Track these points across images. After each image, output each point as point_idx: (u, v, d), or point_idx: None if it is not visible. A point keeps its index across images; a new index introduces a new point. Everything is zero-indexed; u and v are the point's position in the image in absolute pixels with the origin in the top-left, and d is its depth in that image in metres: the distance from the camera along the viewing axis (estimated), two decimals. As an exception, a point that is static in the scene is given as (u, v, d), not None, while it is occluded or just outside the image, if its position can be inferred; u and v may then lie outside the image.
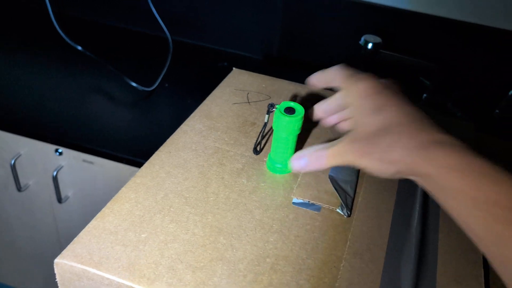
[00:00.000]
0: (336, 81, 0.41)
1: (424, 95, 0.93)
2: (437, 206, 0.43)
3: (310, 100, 0.57)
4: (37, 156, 1.00)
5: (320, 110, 0.45)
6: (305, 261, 0.37)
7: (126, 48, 1.26)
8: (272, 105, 0.43)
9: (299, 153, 0.41)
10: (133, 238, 0.37)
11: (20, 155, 1.00)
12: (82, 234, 0.37)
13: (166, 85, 1.10)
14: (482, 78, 0.92)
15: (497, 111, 0.87)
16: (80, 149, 0.92)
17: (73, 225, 1.11)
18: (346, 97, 0.40)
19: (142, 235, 0.37)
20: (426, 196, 0.44)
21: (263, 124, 0.47)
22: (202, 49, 1.25)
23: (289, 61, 1.10)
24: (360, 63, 0.93)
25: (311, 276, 0.36)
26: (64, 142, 0.92)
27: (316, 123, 0.52)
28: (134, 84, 1.06)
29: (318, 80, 0.43)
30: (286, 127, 0.42)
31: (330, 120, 0.46)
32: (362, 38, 0.88)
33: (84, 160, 0.96)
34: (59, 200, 1.03)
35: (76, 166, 0.98)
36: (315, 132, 0.51)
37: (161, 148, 0.47)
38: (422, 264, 0.37)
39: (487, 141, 0.55)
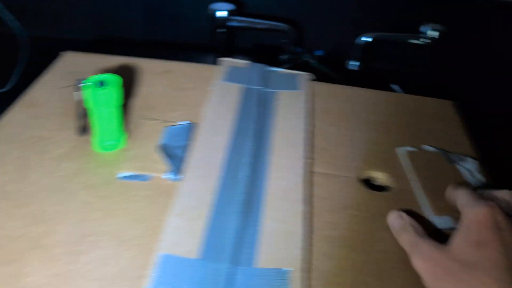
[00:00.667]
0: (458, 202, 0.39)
1: (285, 56, 0.96)
2: (265, 159, 0.44)
3: (127, 71, 0.56)
4: None
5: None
6: (129, 232, 0.36)
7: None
8: (80, 81, 0.41)
9: (402, 218, 0.39)
10: None
11: None
12: None
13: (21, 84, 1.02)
14: (337, 32, 0.96)
15: (347, 60, 0.91)
16: None
17: None
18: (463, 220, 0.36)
19: None
20: (255, 154, 0.45)
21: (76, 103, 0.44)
22: (62, 41, 1.18)
23: (153, 42, 1.06)
24: (214, 32, 0.92)
25: (135, 244, 0.35)
26: None
27: (130, 89, 0.52)
28: (-14, 87, 0.98)
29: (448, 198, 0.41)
30: (104, 100, 0.41)
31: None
32: (210, 7, 0.88)
33: None
34: None
35: None
36: (142, 102, 0.51)
37: (-25, 146, 0.43)
38: (248, 209, 0.38)
39: (337, 90, 0.58)
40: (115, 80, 0.41)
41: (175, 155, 0.43)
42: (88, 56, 0.58)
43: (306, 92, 0.55)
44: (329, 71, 0.91)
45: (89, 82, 0.40)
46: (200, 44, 1.04)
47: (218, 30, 0.87)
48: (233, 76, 0.56)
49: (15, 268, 0.33)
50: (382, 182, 0.45)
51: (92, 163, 0.42)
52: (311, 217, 0.39)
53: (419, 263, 0.35)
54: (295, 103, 0.53)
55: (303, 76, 0.58)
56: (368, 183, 0.45)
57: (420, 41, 0.85)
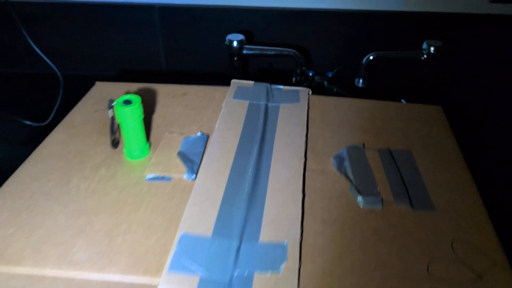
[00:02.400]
0: None
1: (298, 78, 1.03)
2: (268, 160, 0.52)
3: (149, 95, 0.64)
4: None
5: None
6: (155, 220, 0.44)
7: (15, 91, 1.27)
8: (111, 101, 0.50)
9: None
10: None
11: None
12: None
13: (60, 117, 1.13)
14: (344, 53, 1.03)
15: (356, 78, 0.98)
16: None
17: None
18: None
19: (9, 231, 0.43)
20: (260, 155, 0.53)
21: (110, 119, 0.53)
22: (92, 78, 1.29)
23: (175, 72, 1.15)
24: (231, 60, 1.01)
25: (161, 229, 0.43)
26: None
27: (153, 109, 0.60)
28: (27, 122, 1.09)
29: None
30: (129, 116, 0.49)
31: None
32: (226, 38, 0.97)
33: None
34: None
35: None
36: (163, 120, 0.59)
37: (26, 160, 0.52)
38: (252, 199, 0.46)
39: (335, 101, 0.65)
40: (136, 99, 0.50)
41: (191, 160, 0.51)
42: (115, 85, 0.68)
43: (306, 104, 0.63)
44: (339, 90, 0.98)
45: (118, 101, 0.49)
46: (216, 73, 1.13)
47: (235, 58, 0.96)
48: (241, 94, 0.64)
49: (65, 249, 0.40)
50: (372, 175, 0.52)
51: (123, 169, 0.51)
52: (307, 204, 0.46)
53: None
54: (296, 113, 0.60)
55: (303, 91, 0.66)
56: (359, 177, 0.52)
57: (421, 57, 0.91)
